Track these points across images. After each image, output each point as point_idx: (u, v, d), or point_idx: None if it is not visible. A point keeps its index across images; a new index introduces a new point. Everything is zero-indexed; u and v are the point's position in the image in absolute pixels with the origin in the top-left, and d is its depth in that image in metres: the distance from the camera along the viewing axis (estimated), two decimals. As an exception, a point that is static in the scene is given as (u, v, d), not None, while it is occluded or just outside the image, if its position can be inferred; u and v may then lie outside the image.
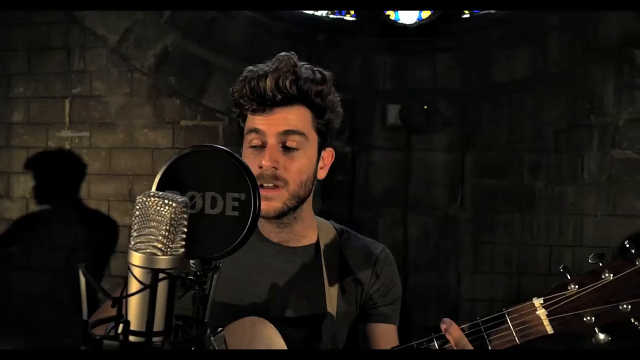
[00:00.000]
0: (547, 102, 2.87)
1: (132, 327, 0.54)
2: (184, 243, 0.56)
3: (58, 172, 3.20)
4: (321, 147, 1.16)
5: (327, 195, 2.91)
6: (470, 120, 2.93)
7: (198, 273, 0.64)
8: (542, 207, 2.87)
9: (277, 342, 1.00)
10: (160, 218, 0.54)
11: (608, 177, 2.80)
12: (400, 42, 3.00)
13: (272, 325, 1.02)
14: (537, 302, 0.89)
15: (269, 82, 1.08)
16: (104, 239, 3.11)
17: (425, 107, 2.88)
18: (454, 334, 0.92)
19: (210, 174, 0.65)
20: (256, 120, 1.12)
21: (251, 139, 1.13)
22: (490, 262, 2.86)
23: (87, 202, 3.16)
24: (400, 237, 2.94)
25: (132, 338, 0.54)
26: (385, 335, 1.18)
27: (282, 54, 1.13)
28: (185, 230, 0.57)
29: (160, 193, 0.56)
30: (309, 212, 1.22)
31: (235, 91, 1.13)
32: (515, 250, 2.87)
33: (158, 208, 0.54)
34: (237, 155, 0.66)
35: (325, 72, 1.15)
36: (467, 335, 0.92)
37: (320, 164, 1.18)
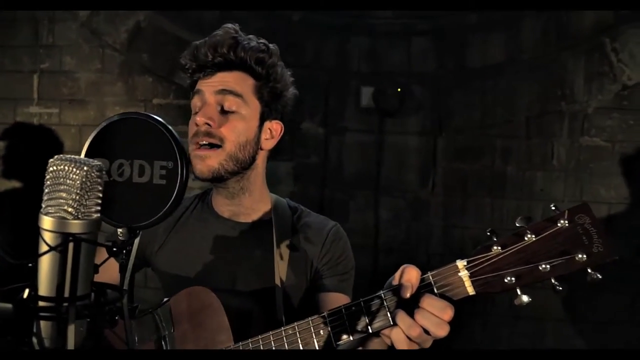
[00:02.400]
0: (520, 88, 2.89)
1: (45, 293, 0.53)
2: (98, 208, 0.56)
3: (27, 149, 3.14)
4: (265, 116, 1.19)
5: (299, 177, 2.91)
6: (444, 105, 2.94)
7: (125, 242, 0.63)
8: (512, 192, 2.90)
9: (219, 313, 1.00)
10: (71, 182, 0.53)
11: (576, 163, 2.84)
12: (376, 25, 2.98)
13: (214, 295, 1.02)
14: (461, 264, 0.88)
15: (208, 46, 1.14)
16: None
17: (399, 89, 2.88)
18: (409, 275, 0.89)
19: (138, 142, 0.65)
20: (199, 84, 1.18)
21: (195, 103, 1.17)
22: (460, 245, 2.89)
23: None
24: (371, 219, 2.95)
25: (42, 303, 0.53)
26: (337, 303, 1.19)
27: (227, 24, 1.15)
28: (100, 195, 0.56)
29: (72, 157, 0.55)
30: (258, 185, 1.23)
31: (181, 57, 1.19)
32: (485, 234, 2.90)
33: (69, 172, 0.53)
34: (165, 123, 0.65)
35: (270, 44, 1.19)
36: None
37: (266, 134, 1.20)
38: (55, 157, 0.54)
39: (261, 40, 1.20)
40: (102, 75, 3.06)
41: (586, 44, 2.77)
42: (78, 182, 0.53)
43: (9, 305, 0.51)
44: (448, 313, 0.84)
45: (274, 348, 0.93)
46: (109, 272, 0.72)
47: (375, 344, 0.93)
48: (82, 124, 3.08)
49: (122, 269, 0.62)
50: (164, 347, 0.94)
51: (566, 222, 0.84)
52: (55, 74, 3.08)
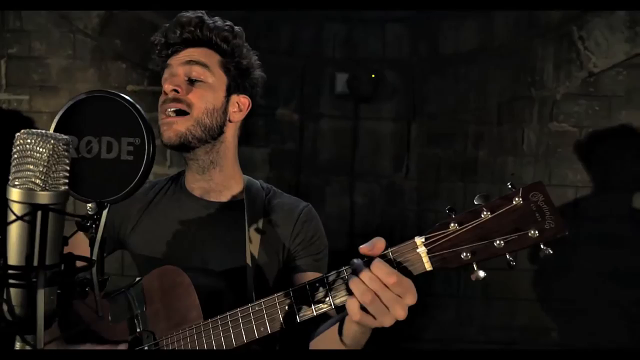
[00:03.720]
0: (491, 74, 2.95)
1: (14, 262, 0.55)
2: (66, 181, 0.57)
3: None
4: (232, 89, 1.25)
5: (275, 163, 2.93)
6: (417, 91, 3.00)
7: (95, 216, 0.65)
8: (484, 176, 2.97)
9: (189, 291, 1.03)
10: (38, 155, 0.55)
11: (546, 148, 2.92)
12: (351, 12, 3.01)
13: (185, 274, 1.05)
14: (419, 240, 0.90)
15: (176, 24, 1.23)
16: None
17: (373, 76, 2.92)
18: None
19: (106, 119, 0.67)
20: (169, 60, 1.25)
21: (164, 78, 1.23)
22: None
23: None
24: (346, 204, 3.00)
25: (11, 272, 0.54)
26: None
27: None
28: (68, 168, 0.58)
29: (39, 131, 0.56)
30: (229, 160, 1.28)
31: (152, 37, 1.27)
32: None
33: (36, 145, 0.55)
34: (132, 100, 0.67)
35: (235, 27, 1.27)
36: None
37: (234, 107, 1.26)
38: (22, 130, 0.56)
39: (227, 23, 1.27)
40: (73, 61, 3.01)
41: (555, 32, 2.85)
42: (45, 154, 0.55)
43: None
44: (392, 278, 0.84)
45: (241, 324, 0.96)
46: (81, 250, 0.73)
47: (349, 321, 0.94)
48: (54, 110, 3.03)
49: (92, 242, 0.64)
50: (137, 326, 0.97)
51: (520, 199, 0.87)
52: (24, 59, 3.02)
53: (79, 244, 0.72)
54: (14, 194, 0.55)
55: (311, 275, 1.20)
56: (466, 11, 2.94)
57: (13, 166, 0.56)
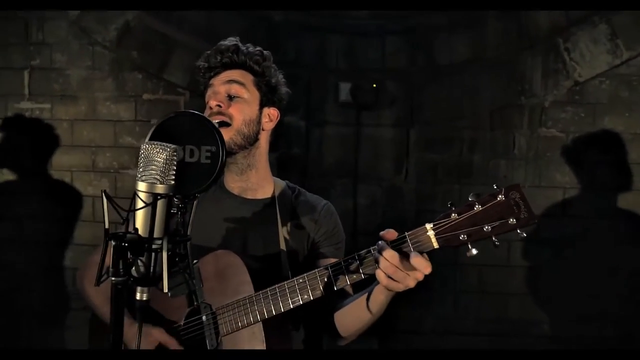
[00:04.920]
0: (484, 83, 3.15)
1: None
2: (174, 177, 0.79)
3: (20, 143, 3.26)
4: (263, 103, 1.48)
5: (283, 167, 3.07)
6: (416, 99, 3.16)
7: (181, 205, 0.87)
8: (478, 179, 3.16)
9: (242, 270, 1.25)
10: (159, 159, 0.77)
11: (535, 152, 3.11)
12: (352, 25, 3.21)
13: (237, 255, 1.27)
14: (429, 226, 1.19)
15: (216, 52, 1.46)
16: (67, 209, 3.22)
17: (375, 85, 3.08)
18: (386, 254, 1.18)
19: (189, 132, 0.89)
20: (211, 81, 1.47)
21: (207, 95, 1.46)
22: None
23: (51, 173, 3.23)
24: (350, 205, 3.16)
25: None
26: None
27: (230, 38, 1.49)
28: (175, 168, 0.80)
29: (158, 142, 0.78)
30: (263, 164, 1.50)
31: (197, 63, 1.50)
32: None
33: (158, 152, 0.77)
34: (209, 118, 0.90)
35: (265, 51, 1.50)
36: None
37: (266, 118, 1.49)
38: (146, 142, 0.78)
39: (257, 48, 1.51)
40: (92, 72, 3.21)
41: (543, 44, 3.07)
42: (164, 158, 0.76)
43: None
44: (395, 260, 1.14)
45: (288, 294, 1.20)
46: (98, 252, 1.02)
47: (378, 292, 1.23)
48: (74, 118, 3.23)
49: (183, 224, 0.86)
50: (195, 300, 1.18)
51: (503, 196, 1.15)
52: (45, 70, 3.21)
53: None
54: (142, 185, 0.77)
55: (333, 260, 1.42)
56: (460, 23, 3.16)
57: (141, 167, 0.78)
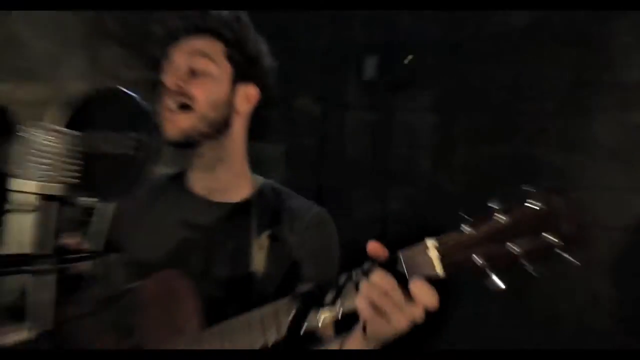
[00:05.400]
0: (552, 57, 3.03)
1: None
2: (76, 174, 0.77)
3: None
4: (237, 78, 1.43)
5: (292, 162, 3.08)
6: (463, 76, 3.08)
7: (92, 210, 0.85)
8: (544, 179, 3.06)
9: (190, 299, 1.22)
10: (50, 150, 0.75)
11: (621, 144, 2.99)
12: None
13: (186, 279, 1.23)
14: (430, 242, 1.03)
15: (179, 15, 1.40)
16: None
17: (410, 57, 3.06)
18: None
19: (108, 112, 0.86)
20: (169, 52, 1.41)
21: (165, 71, 1.40)
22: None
23: None
24: (377, 212, 3.15)
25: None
26: None
27: None
28: (78, 162, 0.77)
29: (50, 126, 0.76)
30: (237, 157, 1.46)
31: (150, 25, 1.44)
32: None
33: (48, 141, 0.74)
34: (132, 93, 0.87)
35: (241, 13, 1.44)
36: None
37: (240, 98, 1.44)
38: (30, 122, 0.76)
39: (233, 12, 1.45)
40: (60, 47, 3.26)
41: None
42: (58, 149, 0.74)
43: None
44: (385, 282, 1.01)
45: (242, 334, 1.12)
46: None
47: (353, 340, 1.11)
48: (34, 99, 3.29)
49: (92, 237, 0.84)
50: (130, 335, 1.16)
51: (540, 204, 0.99)
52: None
53: None
54: (27, 185, 0.75)
55: None
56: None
57: (25, 160, 0.76)
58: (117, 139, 0.85)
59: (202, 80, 1.39)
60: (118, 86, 0.89)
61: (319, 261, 1.42)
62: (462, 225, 1.05)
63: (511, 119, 3.06)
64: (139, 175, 0.86)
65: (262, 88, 1.48)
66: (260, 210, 1.42)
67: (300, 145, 3.14)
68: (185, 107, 1.36)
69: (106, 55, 3.22)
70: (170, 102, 1.36)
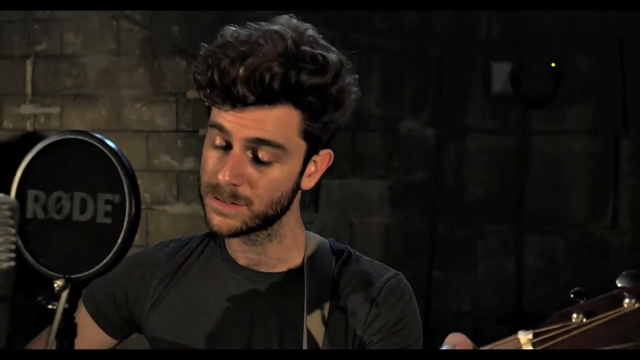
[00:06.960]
0: None
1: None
2: (13, 255, 0.70)
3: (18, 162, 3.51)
4: (310, 154, 1.34)
5: (398, 202, 3.05)
6: (630, 88, 2.96)
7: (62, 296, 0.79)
8: None
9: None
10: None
11: None
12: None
13: None
14: (524, 337, 0.97)
15: (241, 75, 1.19)
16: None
17: (554, 64, 2.98)
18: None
19: (80, 169, 0.80)
20: (223, 115, 1.25)
21: (214, 136, 1.29)
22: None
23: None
24: (511, 267, 3.09)
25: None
26: None
27: (276, 27, 1.22)
28: (13, 239, 0.71)
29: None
30: (291, 228, 1.41)
31: (198, 73, 1.25)
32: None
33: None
34: (110, 144, 0.81)
35: (332, 56, 1.26)
36: None
37: (309, 171, 1.36)
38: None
39: (318, 51, 1.25)
40: (117, 58, 3.38)
41: None
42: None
43: None
44: None
45: None
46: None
47: None
48: (91, 127, 3.41)
49: (59, 334, 0.77)
50: None
51: None
52: (54, 58, 3.44)
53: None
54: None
55: None
56: None
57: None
58: (89, 201, 0.79)
59: (266, 175, 1.29)
60: (88, 131, 0.84)
61: (397, 338, 1.36)
62: (574, 310, 0.96)
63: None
64: (115, 249, 0.82)
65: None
66: (314, 278, 1.38)
67: (410, 181, 3.10)
68: (237, 199, 1.29)
69: (168, 69, 3.30)
70: (221, 197, 1.29)
